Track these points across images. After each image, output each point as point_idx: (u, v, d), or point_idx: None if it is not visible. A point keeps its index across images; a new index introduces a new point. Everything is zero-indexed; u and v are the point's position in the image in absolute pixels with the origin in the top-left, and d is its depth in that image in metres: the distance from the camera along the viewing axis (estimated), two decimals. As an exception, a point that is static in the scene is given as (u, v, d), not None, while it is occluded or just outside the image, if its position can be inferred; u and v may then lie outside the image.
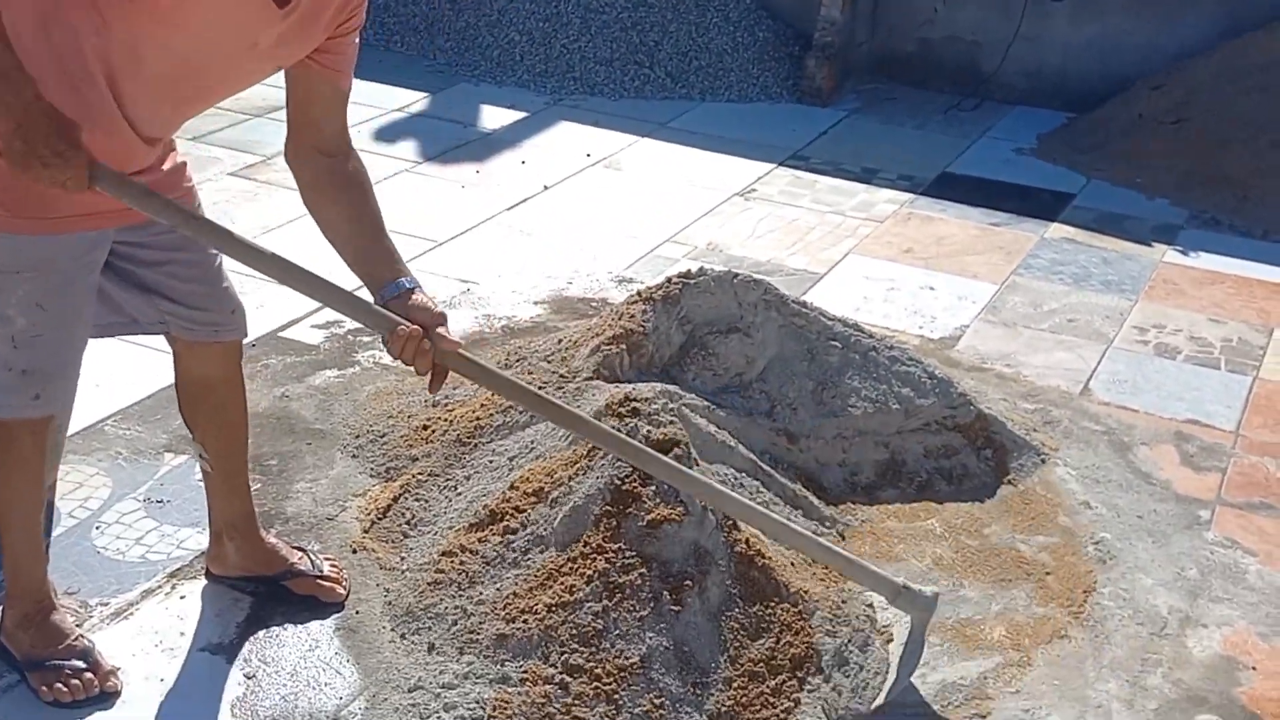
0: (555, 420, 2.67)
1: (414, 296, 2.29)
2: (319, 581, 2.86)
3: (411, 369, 2.27)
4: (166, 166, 2.38)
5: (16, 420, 2.38)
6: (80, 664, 2.55)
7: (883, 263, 4.72)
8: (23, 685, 2.56)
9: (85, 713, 2.52)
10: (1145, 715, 2.65)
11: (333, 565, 2.90)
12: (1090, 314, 4.41)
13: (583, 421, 2.55)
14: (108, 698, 2.54)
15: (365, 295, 2.35)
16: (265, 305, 3.96)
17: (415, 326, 2.24)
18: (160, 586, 2.86)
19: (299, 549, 2.90)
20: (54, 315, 2.31)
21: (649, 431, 2.77)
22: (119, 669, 2.60)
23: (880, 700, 2.63)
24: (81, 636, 2.61)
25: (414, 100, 5.95)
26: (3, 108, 2.03)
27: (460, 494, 3.11)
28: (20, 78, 2.03)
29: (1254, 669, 2.80)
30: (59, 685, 2.52)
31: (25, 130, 2.03)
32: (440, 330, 2.28)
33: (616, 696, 2.55)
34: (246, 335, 2.69)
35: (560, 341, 3.54)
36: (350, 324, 4.01)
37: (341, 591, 2.86)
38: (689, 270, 3.49)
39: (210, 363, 2.65)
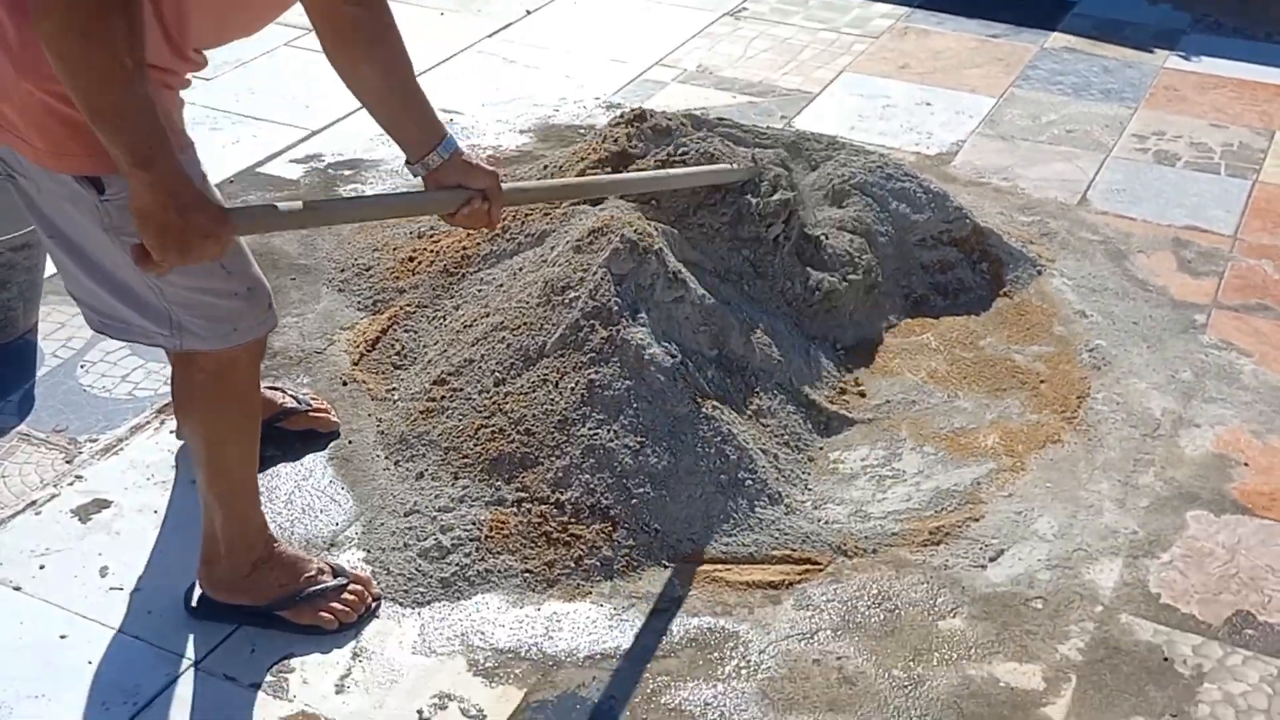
0: (615, 191, 2.95)
1: (463, 157, 2.20)
2: (313, 415, 2.85)
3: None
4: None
5: (245, 345, 2.17)
6: (342, 579, 2.41)
7: (878, 80, 4.61)
8: (240, 634, 2.36)
9: (363, 626, 2.39)
10: (1136, 513, 2.65)
11: (312, 395, 2.89)
12: (1089, 124, 4.31)
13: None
14: (378, 602, 2.44)
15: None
16: (240, 141, 3.89)
17: (478, 201, 2.19)
18: (149, 422, 2.86)
19: (275, 389, 2.87)
20: None
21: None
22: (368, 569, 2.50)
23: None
24: (319, 555, 2.49)
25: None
26: (157, 180, 1.81)
27: (449, 324, 3.08)
28: (168, 145, 1.82)
29: (1246, 465, 2.80)
30: (337, 607, 2.37)
31: (178, 203, 1.83)
32: (495, 187, 2.22)
33: (612, 512, 2.56)
34: None
35: (546, 168, 3.47)
36: (331, 157, 3.95)
37: (335, 419, 2.86)
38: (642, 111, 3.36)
39: None
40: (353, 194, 3.75)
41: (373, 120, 2.20)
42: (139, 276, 2.03)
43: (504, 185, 2.26)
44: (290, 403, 2.84)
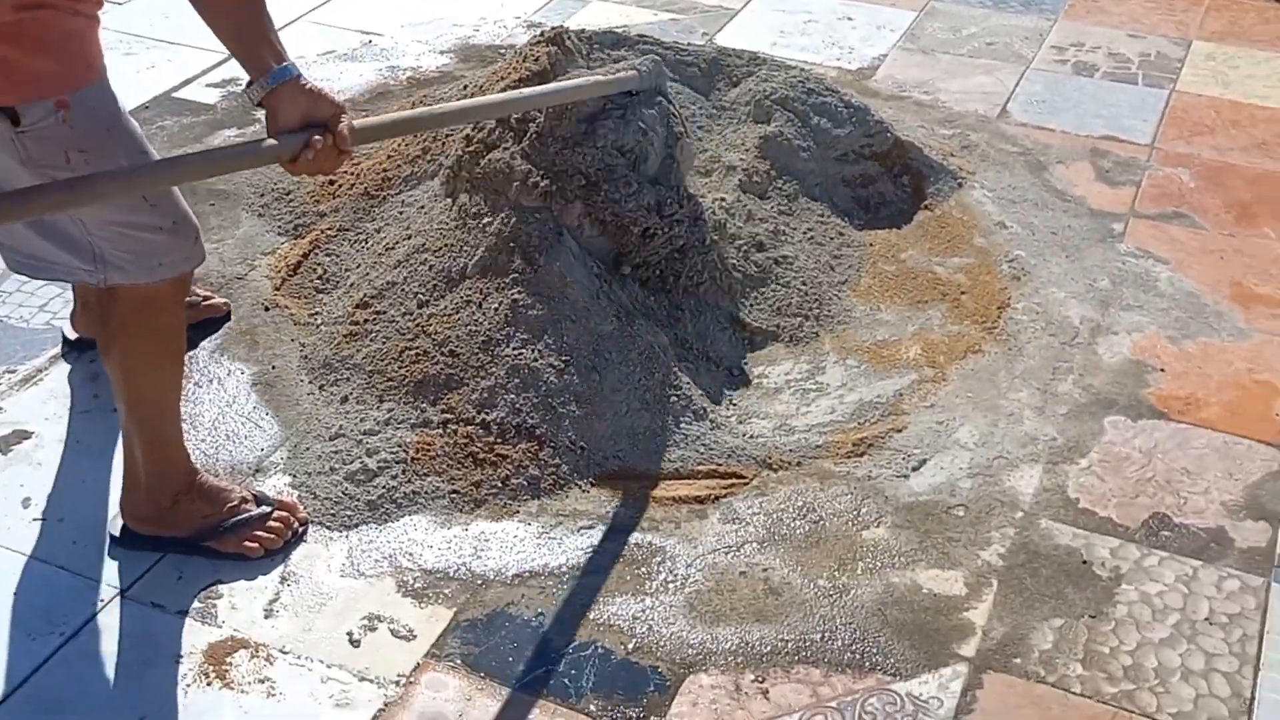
0: (478, 117, 2.74)
1: (305, 84, 1.95)
2: (205, 306, 2.89)
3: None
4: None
5: (170, 280, 2.15)
6: (266, 508, 2.40)
7: (799, -6, 4.60)
8: (166, 561, 2.35)
9: (290, 551, 2.38)
10: (1055, 420, 2.70)
11: (197, 286, 2.88)
12: (1010, 36, 4.33)
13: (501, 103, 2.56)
14: (304, 527, 2.43)
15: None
16: (156, 66, 3.81)
17: (318, 140, 1.94)
18: (69, 351, 2.82)
19: None
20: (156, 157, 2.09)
21: None
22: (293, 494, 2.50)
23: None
24: (242, 484, 2.47)
25: None
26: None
27: (371, 247, 3.06)
28: None
29: (1162, 370, 2.85)
30: (262, 535, 2.37)
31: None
32: (342, 123, 1.98)
33: (538, 431, 2.57)
34: None
35: (465, 88, 3.43)
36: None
37: (224, 301, 2.92)
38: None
39: None
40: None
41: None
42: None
43: (355, 123, 2.03)
44: None
